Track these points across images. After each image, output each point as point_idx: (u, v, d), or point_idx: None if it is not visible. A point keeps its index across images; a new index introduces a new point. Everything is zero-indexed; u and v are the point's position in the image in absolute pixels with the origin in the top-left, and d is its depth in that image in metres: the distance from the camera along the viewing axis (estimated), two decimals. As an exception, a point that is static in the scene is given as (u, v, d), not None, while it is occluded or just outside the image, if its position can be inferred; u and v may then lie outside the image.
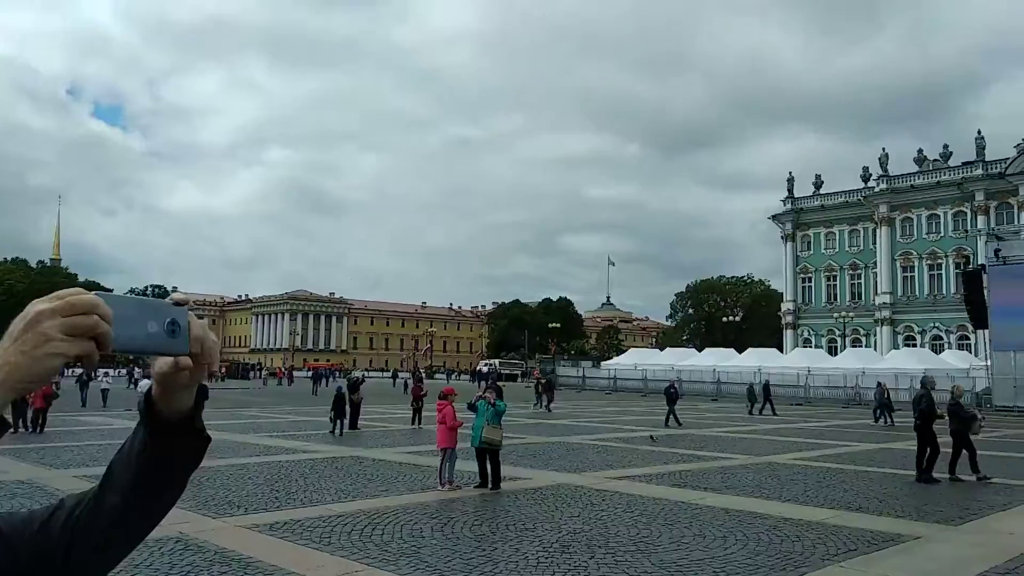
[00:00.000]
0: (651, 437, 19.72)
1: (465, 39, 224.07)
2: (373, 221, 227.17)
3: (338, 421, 19.87)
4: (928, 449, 13.12)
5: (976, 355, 51.62)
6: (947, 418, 13.61)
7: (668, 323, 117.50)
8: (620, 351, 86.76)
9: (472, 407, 11.86)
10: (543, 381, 32.07)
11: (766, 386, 34.78)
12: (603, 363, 68.46)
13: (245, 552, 7.33)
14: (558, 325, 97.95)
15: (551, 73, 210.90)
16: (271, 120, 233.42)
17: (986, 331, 41.42)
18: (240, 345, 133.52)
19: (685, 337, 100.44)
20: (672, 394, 25.35)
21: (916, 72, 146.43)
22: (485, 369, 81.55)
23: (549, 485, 11.83)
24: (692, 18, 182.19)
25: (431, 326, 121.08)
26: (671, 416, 24.64)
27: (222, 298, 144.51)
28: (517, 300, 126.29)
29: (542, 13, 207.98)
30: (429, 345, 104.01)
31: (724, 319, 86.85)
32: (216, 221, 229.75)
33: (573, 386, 59.33)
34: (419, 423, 22.02)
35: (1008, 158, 60.61)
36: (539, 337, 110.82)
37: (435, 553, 7.46)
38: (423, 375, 57.53)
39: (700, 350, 64.92)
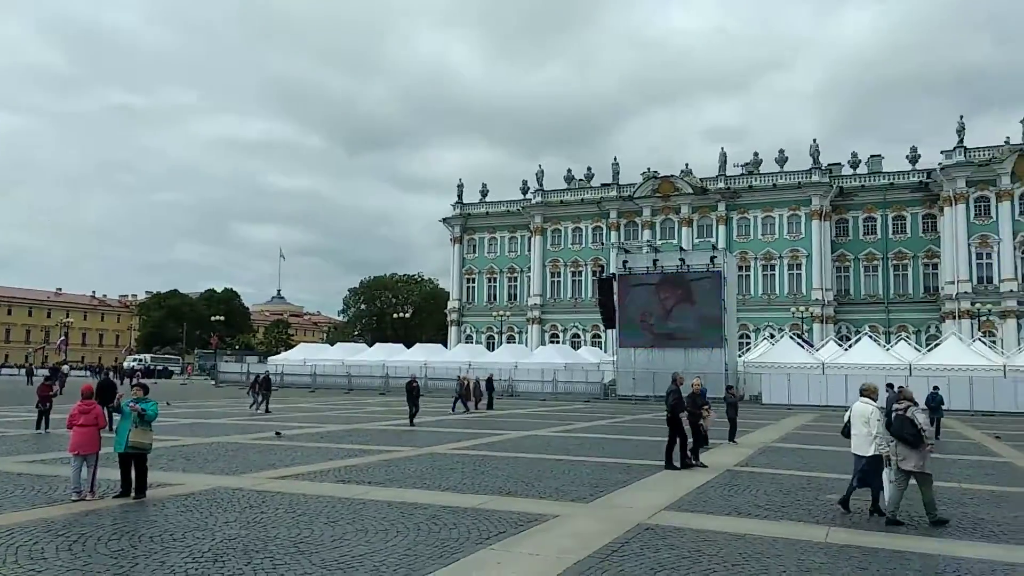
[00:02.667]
0: (276, 433, 19.36)
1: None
2: (1, 191, 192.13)
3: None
4: (677, 439, 14.46)
5: (606, 351, 59.38)
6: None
7: (340, 318, 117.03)
8: (290, 346, 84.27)
9: (117, 408, 10.59)
10: (259, 379, 29.80)
11: (489, 380, 35.65)
12: (271, 358, 65.86)
13: None
14: (222, 318, 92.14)
15: (232, 51, 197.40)
16: None
17: (614, 330, 47.74)
18: None
19: (357, 332, 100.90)
20: (415, 389, 25.42)
21: (576, 100, 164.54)
22: (134, 365, 73.97)
23: (203, 490, 11.00)
24: (384, 20, 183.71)
25: (67, 316, 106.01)
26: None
27: None
28: (176, 290, 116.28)
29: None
30: (64, 338, 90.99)
31: (395, 315, 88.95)
32: None
33: (236, 382, 56.18)
34: (46, 427, 19.09)
35: (636, 183, 70.79)
36: (200, 331, 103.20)
37: (60, 577, 6.48)
38: (67, 372, 50.37)
39: (371, 345, 65.67)
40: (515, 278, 76.55)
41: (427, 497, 10.63)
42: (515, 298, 75.80)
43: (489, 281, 77.62)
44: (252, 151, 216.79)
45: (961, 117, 59.93)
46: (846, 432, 10.22)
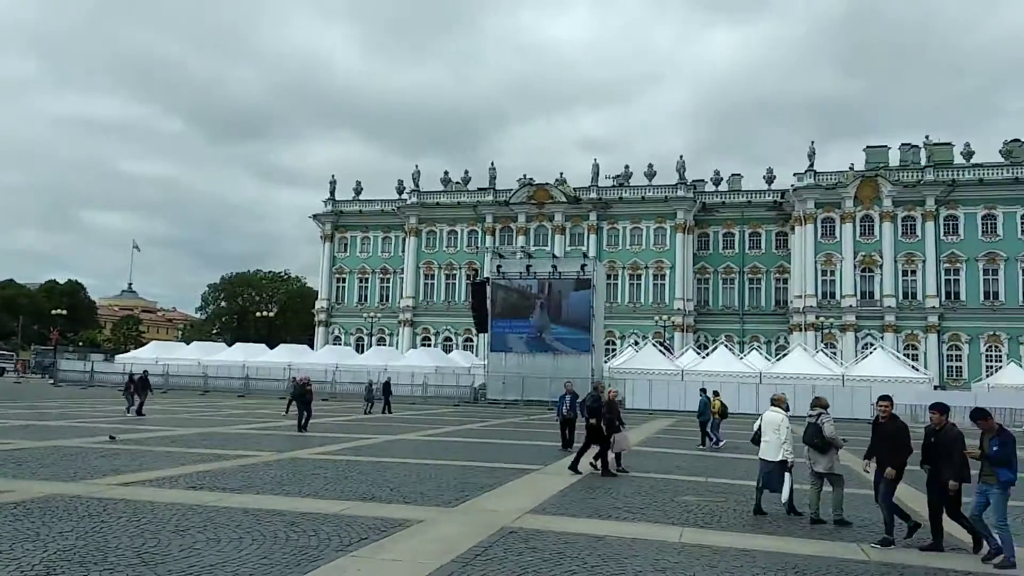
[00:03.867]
0: (110, 437, 18.21)
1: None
2: None
3: None
4: (592, 446, 14.60)
5: (477, 355, 59.68)
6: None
7: (199, 316, 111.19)
8: (140, 344, 79.28)
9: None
10: (136, 379, 27.21)
11: (386, 385, 34.77)
12: (118, 356, 61.71)
13: None
14: (64, 312, 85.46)
15: (80, 22, 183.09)
16: None
17: (486, 335, 48.05)
18: None
19: (216, 331, 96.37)
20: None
21: (456, 102, 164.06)
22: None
23: (36, 497, 10.10)
24: (255, 5, 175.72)
25: None
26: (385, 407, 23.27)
27: None
28: (12, 280, 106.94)
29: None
30: None
31: (259, 314, 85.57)
32: None
33: (78, 382, 52.23)
34: None
35: (512, 189, 71.69)
36: (39, 325, 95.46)
37: None
38: None
39: (231, 344, 62.82)
40: (387, 279, 75.58)
41: (286, 503, 10.23)
42: (387, 299, 74.85)
43: (360, 281, 76.22)
44: (104, 133, 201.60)
45: (812, 143, 64.69)
46: (756, 439, 10.98)
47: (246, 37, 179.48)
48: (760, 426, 10.97)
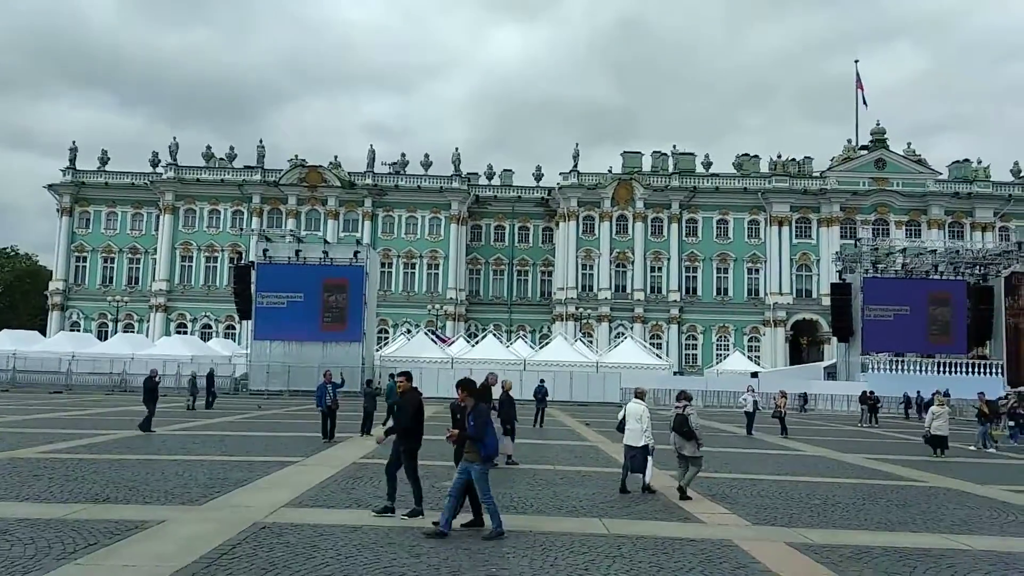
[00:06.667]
0: None
1: None
2: None
3: None
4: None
5: (240, 344, 56.54)
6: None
7: None
8: None
9: None
10: None
11: (210, 376, 31.67)
12: None
13: None
14: None
15: None
16: None
17: (250, 322, 45.66)
18: None
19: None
20: (154, 387, 20.79)
21: (228, 72, 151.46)
22: None
23: None
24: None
25: None
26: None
27: None
28: None
29: None
30: None
31: (-24, 295, 74.30)
32: None
33: None
34: None
35: (282, 169, 68.63)
36: None
37: None
38: None
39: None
40: (138, 259, 69.08)
41: (-2, 510, 8.95)
42: (137, 282, 68.49)
43: (105, 261, 68.93)
44: None
45: (577, 145, 68.88)
46: (620, 427, 11.98)
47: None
48: (624, 415, 12.01)
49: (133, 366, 43.91)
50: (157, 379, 21.72)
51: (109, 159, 70.23)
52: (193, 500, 10.11)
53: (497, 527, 8.27)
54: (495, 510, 8.38)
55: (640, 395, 12.28)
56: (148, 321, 66.44)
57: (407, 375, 9.67)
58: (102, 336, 60.46)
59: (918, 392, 38.27)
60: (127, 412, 26.91)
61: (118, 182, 69.37)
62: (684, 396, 11.84)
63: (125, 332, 60.19)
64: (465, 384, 8.91)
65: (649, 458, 11.66)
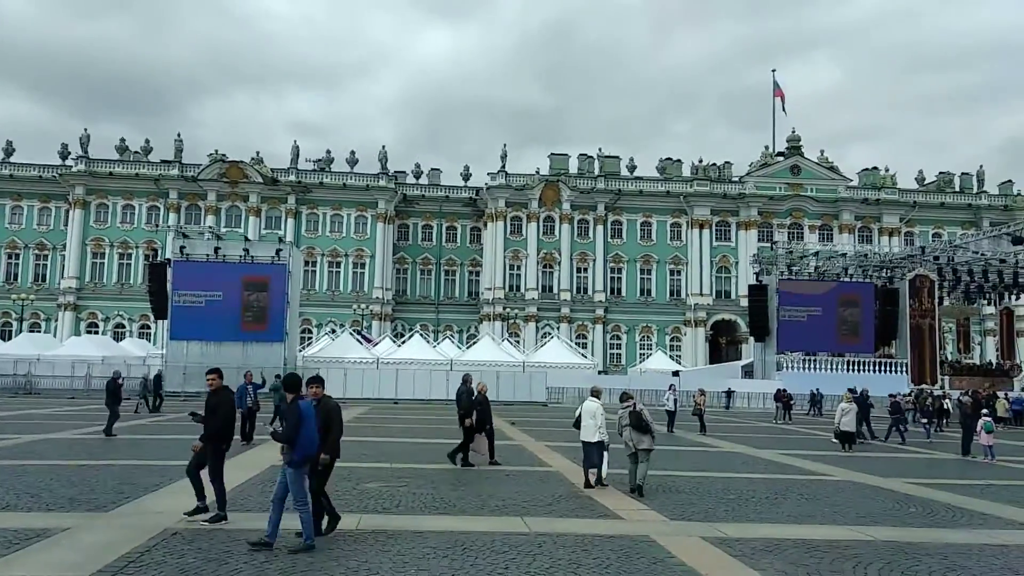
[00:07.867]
0: None
1: None
2: None
3: None
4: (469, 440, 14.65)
5: (155, 344, 54.51)
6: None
7: None
8: None
9: None
10: None
11: (157, 378, 30.25)
12: None
13: None
14: None
15: None
16: None
17: (165, 321, 44.05)
18: None
19: None
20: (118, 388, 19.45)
21: (145, 63, 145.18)
22: None
23: None
24: None
25: None
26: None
27: None
28: None
29: None
30: None
31: None
32: None
33: None
34: None
35: (202, 164, 66.51)
36: None
37: None
38: None
39: None
40: (45, 256, 65.74)
41: None
42: (43, 279, 65.20)
43: (9, 257, 65.33)
44: None
45: (504, 145, 69.03)
46: (577, 424, 12.33)
47: None
48: (580, 413, 12.30)
49: (39, 367, 41.91)
50: (121, 381, 21.02)
51: (15, 150, 66.67)
52: (102, 506, 9.71)
53: (307, 539, 7.59)
54: (309, 519, 7.71)
55: (596, 393, 12.64)
56: (56, 320, 63.36)
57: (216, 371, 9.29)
58: (6, 336, 57.41)
59: (817, 389, 39.78)
60: (31, 416, 25.62)
61: (24, 175, 65.82)
62: (627, 396, 12.32)
63: (31, 332, 57.26)
64: (287, 380, 8.41)
65: (605, 453, 12.09)
